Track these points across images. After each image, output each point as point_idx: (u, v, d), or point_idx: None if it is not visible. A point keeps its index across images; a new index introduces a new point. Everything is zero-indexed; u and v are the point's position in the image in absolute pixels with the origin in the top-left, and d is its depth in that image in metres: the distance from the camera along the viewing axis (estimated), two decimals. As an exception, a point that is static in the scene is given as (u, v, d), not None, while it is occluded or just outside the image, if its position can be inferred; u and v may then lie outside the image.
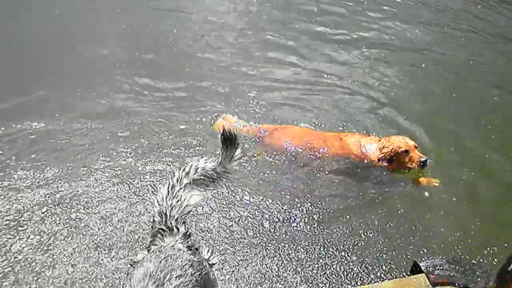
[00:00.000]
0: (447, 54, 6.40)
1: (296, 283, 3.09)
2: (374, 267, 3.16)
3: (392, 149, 4.01)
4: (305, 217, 3.63)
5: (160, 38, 6.37)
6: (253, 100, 5.07)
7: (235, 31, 6.81)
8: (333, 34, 6.86)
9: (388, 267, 3.20)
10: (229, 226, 3.48)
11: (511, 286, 2.14)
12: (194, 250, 2.06)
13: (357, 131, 4.62)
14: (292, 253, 3.30)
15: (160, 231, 2.11)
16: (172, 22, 6.79)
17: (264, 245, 3.35)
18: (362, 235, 3.46)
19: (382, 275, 3.12)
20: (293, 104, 5.15)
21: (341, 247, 3.35)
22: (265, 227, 3.51)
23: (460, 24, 7.25)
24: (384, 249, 3.33)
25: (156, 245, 2.06)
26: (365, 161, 4.13)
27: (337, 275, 3.14)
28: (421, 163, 3.93)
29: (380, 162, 4.06)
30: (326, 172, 4.09)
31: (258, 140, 4.37)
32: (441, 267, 2.72)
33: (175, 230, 2.10)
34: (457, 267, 2.73)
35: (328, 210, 3.70)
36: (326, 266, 3.22)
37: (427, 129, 4.68)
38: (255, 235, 3.43)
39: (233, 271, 3.13)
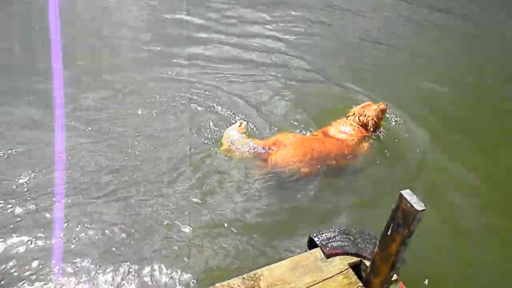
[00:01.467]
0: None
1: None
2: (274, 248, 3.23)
3: (375, 116, 4.42)
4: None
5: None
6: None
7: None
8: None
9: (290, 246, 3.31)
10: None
11: (392, 248, 2.32)
12: None
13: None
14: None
15: None
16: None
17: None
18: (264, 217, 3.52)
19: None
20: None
21: (241, 230, 3.37)
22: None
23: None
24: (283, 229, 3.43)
25: None
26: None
27: (236, 257, 3.17)
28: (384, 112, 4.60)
29: (374, 132, 4.44)
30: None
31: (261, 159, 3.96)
32: (334, 239, 2.86)
33: None
34: (349, 237, 2.89)
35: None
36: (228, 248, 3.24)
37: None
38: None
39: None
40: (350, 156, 4.16)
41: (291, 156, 3.86)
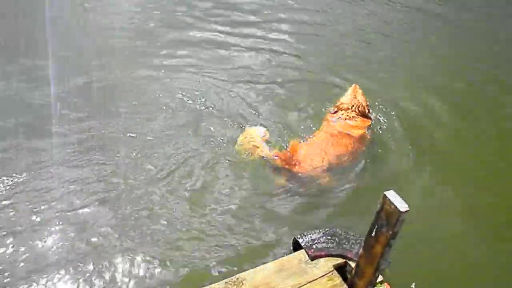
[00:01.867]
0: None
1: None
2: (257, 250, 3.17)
3: (365, 102, 4.34)
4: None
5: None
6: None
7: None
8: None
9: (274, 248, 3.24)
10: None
11: (376, 249, 2.28)
12: None
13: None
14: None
15: None
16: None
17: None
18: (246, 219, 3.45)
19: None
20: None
21: (224, 231, 3.32)
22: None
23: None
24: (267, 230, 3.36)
25: None
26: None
27: (223, 258, 3.09)
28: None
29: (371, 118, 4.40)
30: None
31: (280, 167, 3.80)
32: (319, 241, 2.82)
33: None
34: (333, 239, 2.85)
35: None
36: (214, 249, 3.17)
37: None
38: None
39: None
40: (361, 148, 4.11)
41: (311, 165, 3.78)
